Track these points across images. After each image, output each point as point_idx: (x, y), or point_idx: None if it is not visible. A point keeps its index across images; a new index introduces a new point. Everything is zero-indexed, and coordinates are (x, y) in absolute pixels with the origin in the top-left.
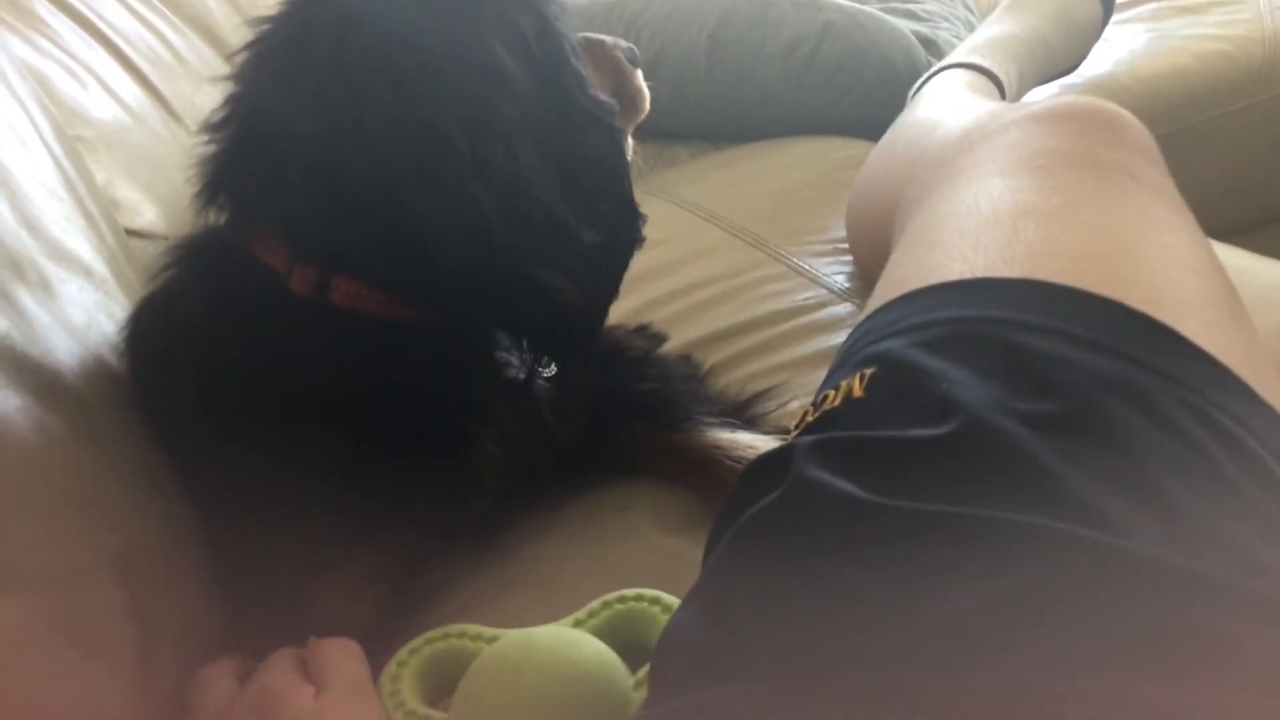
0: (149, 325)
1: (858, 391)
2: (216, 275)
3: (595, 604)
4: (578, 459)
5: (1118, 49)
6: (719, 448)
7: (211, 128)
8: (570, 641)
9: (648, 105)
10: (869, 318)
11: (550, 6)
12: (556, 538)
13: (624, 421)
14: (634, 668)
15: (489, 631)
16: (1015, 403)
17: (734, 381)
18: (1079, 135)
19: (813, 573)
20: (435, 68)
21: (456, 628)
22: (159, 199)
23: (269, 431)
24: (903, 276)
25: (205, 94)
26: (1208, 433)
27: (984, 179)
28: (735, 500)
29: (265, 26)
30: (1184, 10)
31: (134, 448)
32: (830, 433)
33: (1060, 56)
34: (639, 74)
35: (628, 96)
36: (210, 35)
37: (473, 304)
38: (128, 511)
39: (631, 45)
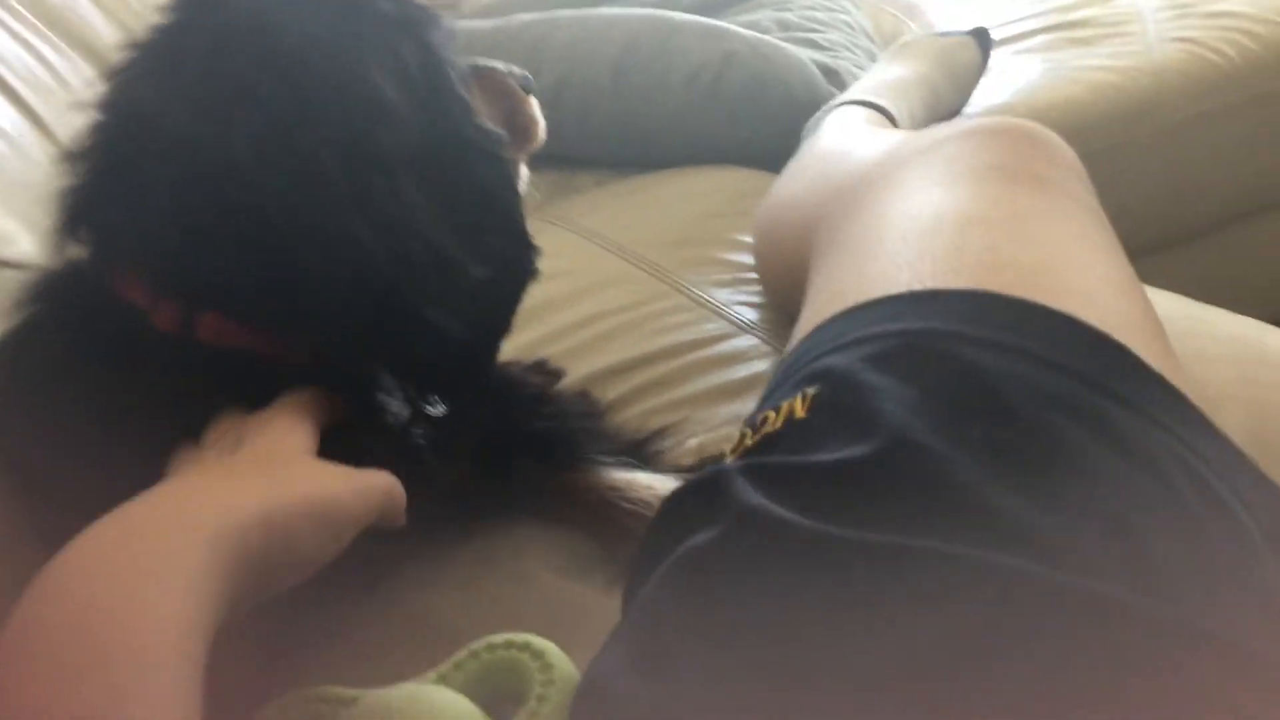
0: (4, 367)
1: (800, 412)
2: (75, 313)
3: (462, 654)
4: (466, 502)
5: (1013, 79)
6: (615, 489)
7: (73, 156)
8: (430, 704)
9: (543, 134)
10: (811, 333)
11: (434, 33)
12: (443, 585)
13: (516, 462)
14: None
15: (348, 693)
16: (961, 423)
17: (632, 417)
18: (1017, 151)
19: (763, 614)
20: (311, 95)
21: (315, 690)
22: (35, 228)
23: (127, 471)
24: (842, 289)
25: (89, 117)
26: (1170, 459)
27: (923, 189)
28: (662, 531)
29: (133, 52)
30: (1076, 41)
31: None
32: (770, 457)
33: (945, 98)
34: (533, 101)
35: (520, 125)
36: (94, 55)
37: (352, 341)
38: None
39: (526, 73)
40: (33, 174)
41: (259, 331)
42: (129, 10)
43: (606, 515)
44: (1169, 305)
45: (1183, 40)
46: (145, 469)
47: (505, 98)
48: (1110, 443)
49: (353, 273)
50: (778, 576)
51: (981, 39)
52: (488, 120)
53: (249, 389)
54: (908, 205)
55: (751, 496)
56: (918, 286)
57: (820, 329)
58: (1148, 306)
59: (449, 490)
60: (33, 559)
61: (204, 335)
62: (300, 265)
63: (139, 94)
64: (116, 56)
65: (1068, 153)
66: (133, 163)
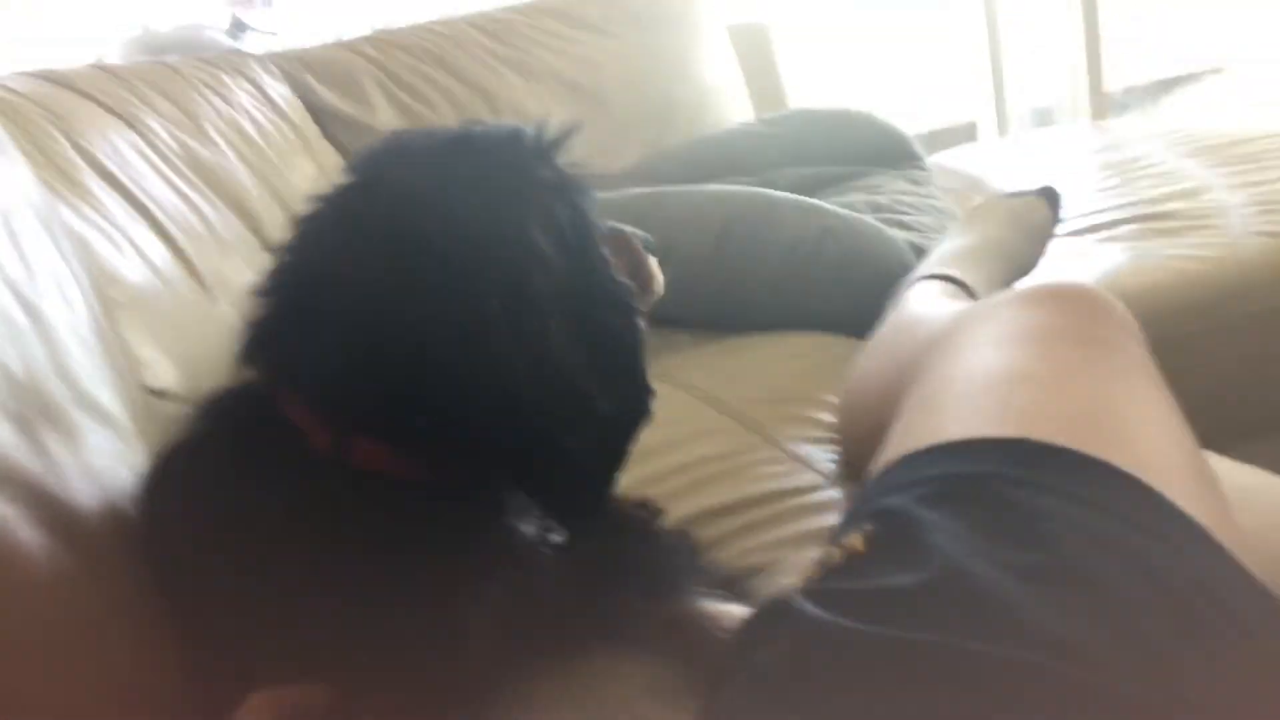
0: (167, 476)
1: (860, 547)
2: (239, 429)
3: None
4: (574, 625)
5: (1098, 264)
6: (711, 620)
7: (260, 293)
8: None
9: (660, 288)
10: (873, 480)
11: (583, 199)
12: (541, 704)
13: (621, 590)
14: None
15: None
16: (1002, 552)
17: (728, 557)
18: (1066, 312)
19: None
20: (479, 245)
21: None
22: (179, 360)
23: (270, 587)
24: (905, 439)
25: (233, 265)
26: (1187, 586)
27: (977, 350)
28: (733, 653)
29: (318, 204)
30: (1162, 232)
31: (142, 596)
32: (832, 585)
33: (1019, 258)
34: (653, 260)
35: (643, 280)
36: (244, 212)
37: (493, 464)
38: (129, 655)
39: (648, 235)
40: (180, 312)
41: (407, 457)
42: (275, 173)
43: (702, 645)
44: (1247, 479)
45: (1269, 234)
46: (277, 580)
47: (630, 255)
48: (1136, 570)
49: (506, 402)
50: (834, 676)
51: (1050, 197)
52: (620, 274)
53: (393, 509)
54: (965, 365)
55: (811, 611)
56: (965, 437)
57: (881, 475)
58: (1191, 453)
59: (559, 612)
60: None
61: (355, 458)
62: (459, 394)
63: (322, 241)
64: (265, 214)
65: (1121, 313)
66: (311, 301)
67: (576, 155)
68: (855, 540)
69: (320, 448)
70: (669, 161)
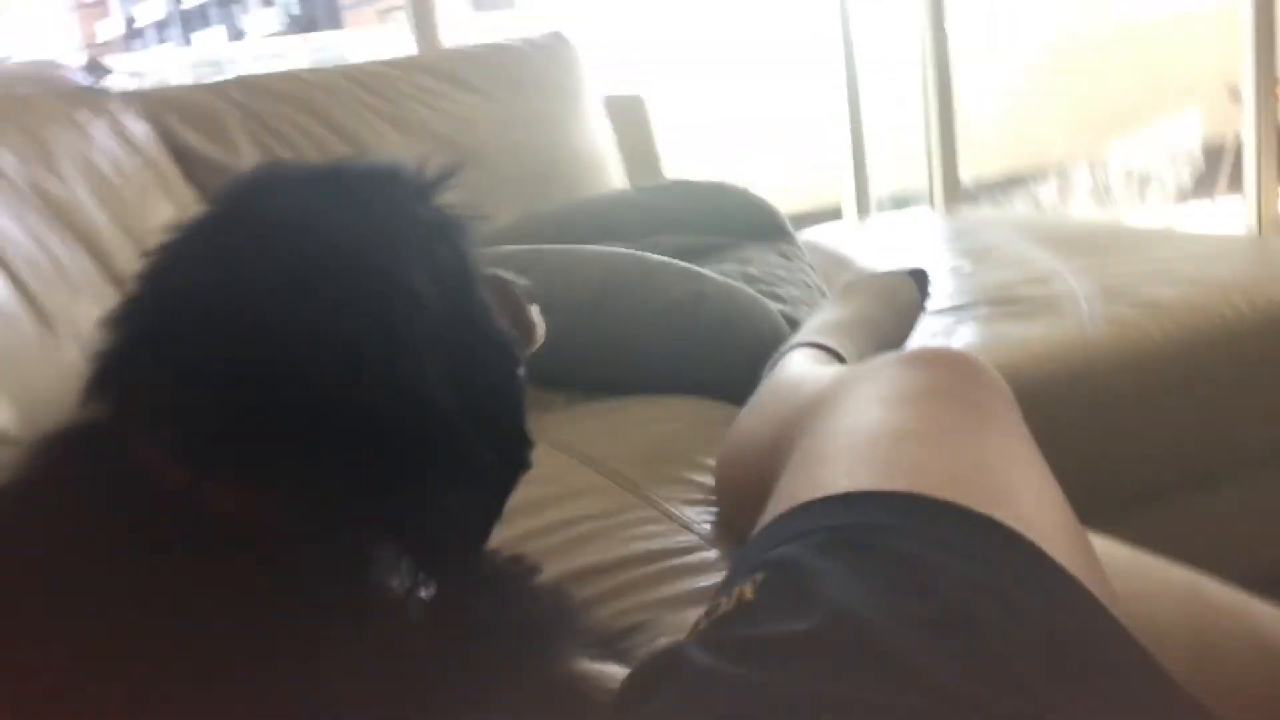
0: None
1: (748, 595)
2: (81, 468)
3: None
4: (446, 686)
5: (956, 343)
6: (589, 679)
7: (110, 323)
8: None
9: (541, 337)
10: (761, 531)
11: (465, 242)
12: None
13: (496, 649)
14: None
15: None
16: (890, 600)
17: (605, 616)
18: (946, 375)
19: None
20: (352, 279)
21: None
22: (17, 402)
23: (110, 642)
24: (793, 492)
25: (82, 306)
26: (1077, 645)
27: (864, 408)
28: (622, 705)
29: (176, 233)
30: (1014, 315)
31: None
32: (721, 633)
33: (889, 334)
34: (534, 309)
35: (523, 329)
36: (96, 251)
37: (360, 509)
38: None
39: (528, 283)
40: (20, 350)
41: (266, 498)
42: (132, 213)
43: (581, 706)
44: (1114, 550)
45: (1114, 320)
46: (137, 634)
47: (511, 303)
48: (1018, 620)
49: (377, 444)
50: None
51: (919, 279)
52: (501, 321)
53: (252, 556)
54: (851, 421)
55: (699, 659)
56: (855, 489)
57: (770, 526)
58: (1067, 512)
59: (430, 671)
60: None
61: (209, 499)
62: (328, 438)
63: (181, 270)
64: (118, 254)
65: (995, 377)
66: (167, 331)
67: (454, 201)
68: (745, 589)
69: (172, 489)
70: (545, 222)
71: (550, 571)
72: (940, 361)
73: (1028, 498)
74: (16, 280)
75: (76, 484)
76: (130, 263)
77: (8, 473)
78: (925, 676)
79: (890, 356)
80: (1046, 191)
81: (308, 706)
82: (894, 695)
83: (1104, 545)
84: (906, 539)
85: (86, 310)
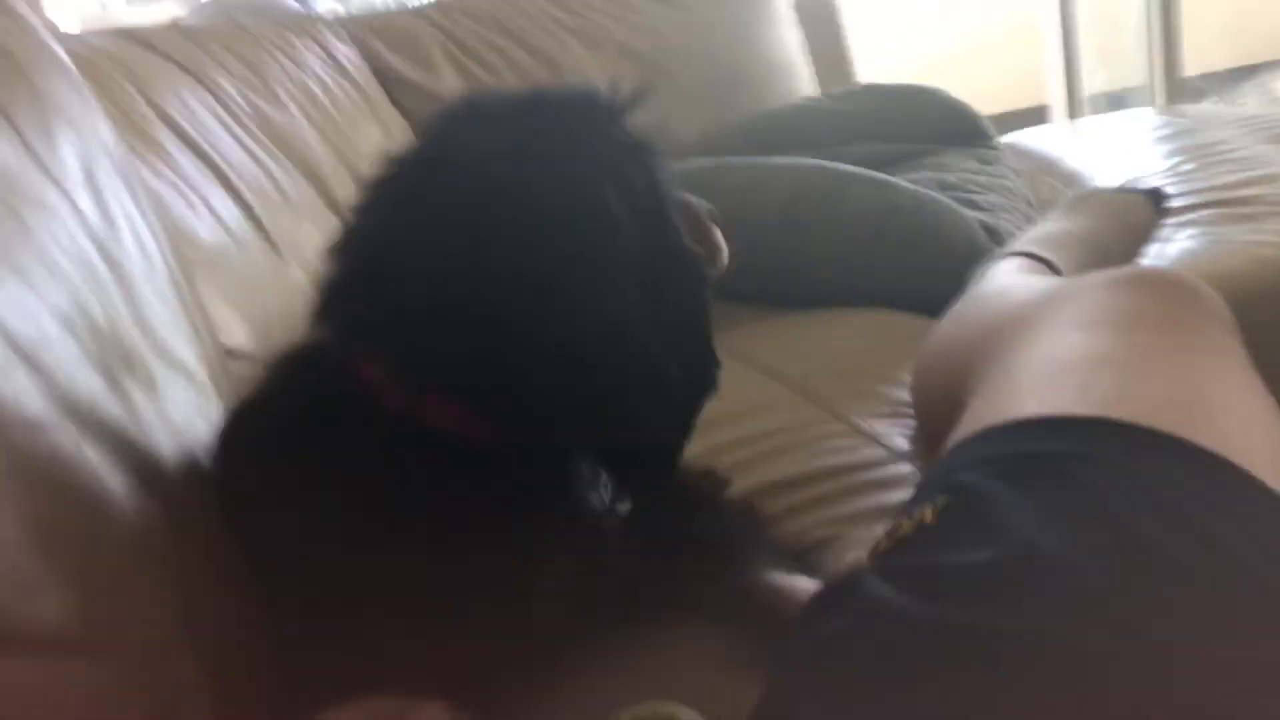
0: (241, 430)
1: (929, 519)
2: (313, 386)
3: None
4: (643, 594)
5: (1173, 250)
6: (779, 592)
7: (333, 253)
8: None
9: (725, 259)
10: (949, 452)
11: (656, 163)
12: (600, 669)
13: (690, 561)
14: None
15: None
16: (1077, 534)
17: (793, 531)
18: (1159, 299)
19: (879, 699)
20: (553, 205)
21: None
22: (250, 321)
23: (342, 542)
24: (983, 414)
25: (302, 228)
26: (1268, 566)
27: (1063, 332)
28: (803, 626)
29: (391, 166)
30: (1240, 218)
31: (220, 547)
32: (900, 558)
33: (1113, 254)
34: (717, 231)
35: (709, 250)
36: (313, 175)
37: (564, 425)
38: (213, 606)
39: (712, 206)
40: (252, 274)
41: (480, 417)
42: (343, 137)
43: (771, 616)
44: None
45: None
46: (348, 538)
47: (697, 225)
48: (1212, 551)
49: (577, 363)
50: (895, 665)
51: (1157, 199)
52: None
53: (465, 470)
54: (1049, 345)
55: (877, 590)
56: (1045, 414)
57: (954, 449)
58: None
59: (624, 582)
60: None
61: (428, 417)
62: (533, 354)
63: (396, 203)
64: (333, 179)
65: (1212, 300)
66: (385, 261)
67: (644, 122)
68: (926, 512)
69: (393, 407)
70: (733, 135)
71: (739, 485)
72: (1153, 284)
73: (1235, 422)
74: (245, 206)
75: (310, 400)
76: (345, 186)
77: (250, 386)
78: (1111, 615)
79: (1101, 276)
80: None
81: (520, 607)
82: (1075, 635)
83: None
84: (1096, 468)
85: (307, 234)
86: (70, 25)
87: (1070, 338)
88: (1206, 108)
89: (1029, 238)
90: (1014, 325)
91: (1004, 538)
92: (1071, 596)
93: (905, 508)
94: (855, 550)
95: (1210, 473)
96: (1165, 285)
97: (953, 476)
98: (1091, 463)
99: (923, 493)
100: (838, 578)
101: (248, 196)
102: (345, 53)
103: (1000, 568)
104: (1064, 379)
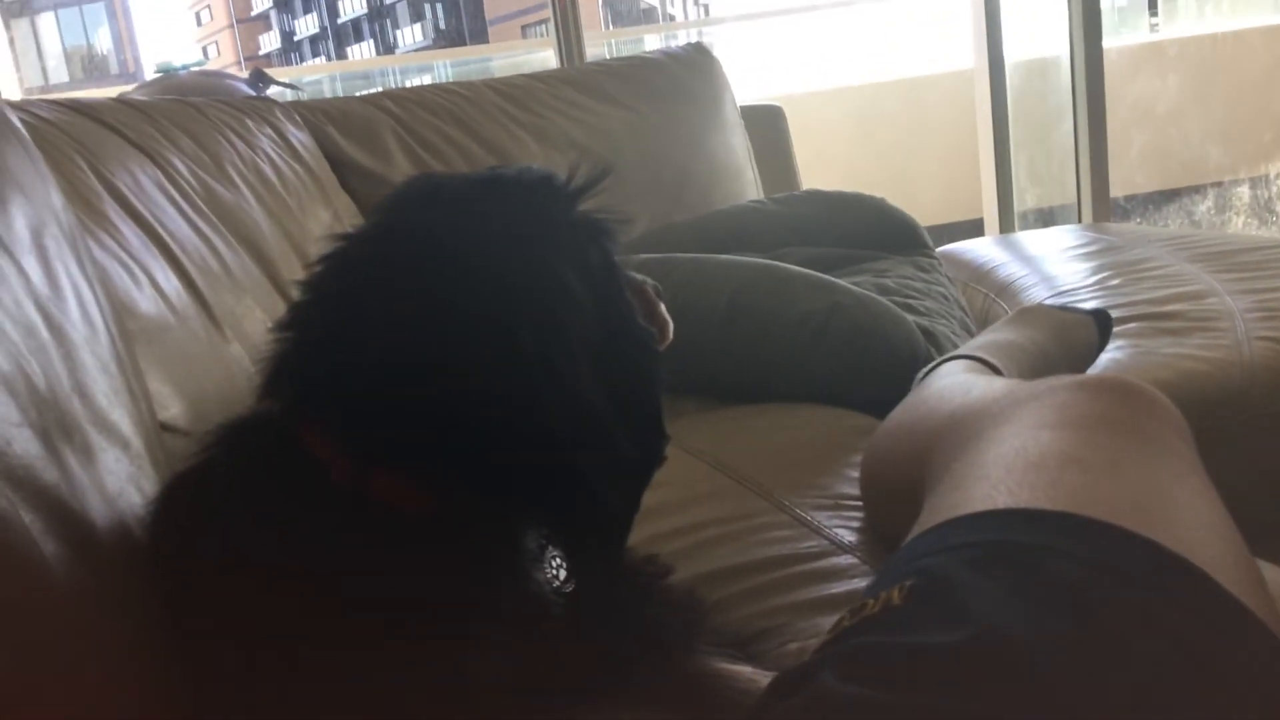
0: (179, 499)
1: (896, 600)
2: (256, 457)
3: None
4: (587, 676)
5: (1103, 360)
6: (721, 678)
7: (282, 326)
8: None
9: (671, 335)
10: (914, 539)
11: (611, 244)
12: None
13: (631, 644)
14: None
15: None
16: (1044, 622)
17: (735, 619)
18: (1123, 405)
19: None
20: (511, 281)
21: None
22: (186, 396)
23: (277, 616)
24: (950, 504)
25: (246, 306)
26: (1243, 682)
27: (1032, 430)
28: (760, 713)
29: (343, 241)
30: (1166, 331)
31: (149, 616)
32: (863, 636)
33: (1057, 370)
34: (663, 306)
35: (657, 325)
36: (260, 255)
37: (517, 499)
38: (139, 676)
39: (657, 284)
40: (191, 348)
41: (428, 491)
42: (293, 219)
43: (715, 703)
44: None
45: (1273, 339)
46: (280, 614)
47: (645, 303)
48: (1178, 652)
49: (534, 433)
50: None
51: (1102, 321)
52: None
53: (410, 545)
54: (1018, 442)
55: (827, 678)
56: (1015, 506)
57: (922, 535)
58: (1242, 548)
59: (571, 661)
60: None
61: (374, 490)
62: (487, 429)
63: (349, 276)
64: (279, 259)
65: (1172, 411)
66: (337, 333)
67: (597, 205)
68: (893, 593)
69: (338, 479)
70: (680, 232)
71: (682, 573)
72: (1116, 390)
73: (1198, 528)
74: (188, 280)
75: (251, 471)
76: (292, 267)
77: (189, 456)
78: (1074, 705)
79: (1065, 379)
80: (1203, 208)
81: (458, 687)
82: None
83: (1273, 574)
84: (1065, 560)
85: (250, 311)
86: (11, 94)
87: (1037, 436)
88: (1131, 226)
89: (976, 344)
90: (977, 419)
91: (971, 622)
92: (1036, 684)
93: (870, 589)
94: (796, 643)
95: (1175, 573)
96: (1128, 392)
97: (919, 561)
98: (1061, 555)
99: (887, 576)
100: (793, 668)
101: (191, 271)
102: (298, 136)
103: (966, 652)
104: (1034, 475)
